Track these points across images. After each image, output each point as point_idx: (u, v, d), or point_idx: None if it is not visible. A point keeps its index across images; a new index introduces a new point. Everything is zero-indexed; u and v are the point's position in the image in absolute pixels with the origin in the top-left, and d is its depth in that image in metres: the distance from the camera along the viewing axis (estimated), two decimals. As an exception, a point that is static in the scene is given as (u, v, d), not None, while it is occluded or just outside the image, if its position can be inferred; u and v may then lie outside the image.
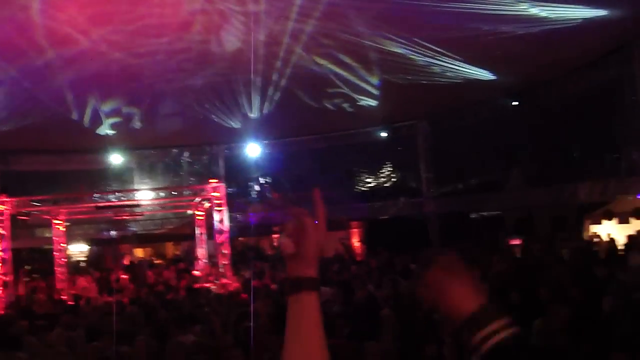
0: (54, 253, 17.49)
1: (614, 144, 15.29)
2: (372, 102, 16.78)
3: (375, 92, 15.74)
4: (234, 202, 20.49)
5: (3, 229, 14.77)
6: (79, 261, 22.10)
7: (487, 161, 19.73)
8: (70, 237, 20.33)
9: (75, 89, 13.87)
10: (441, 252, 1.93)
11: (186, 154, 23.46)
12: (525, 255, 14.80)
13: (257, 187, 23.74)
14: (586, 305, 7.49)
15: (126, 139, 19.74)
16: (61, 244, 17.65)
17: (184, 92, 15.03)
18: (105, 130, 17.77)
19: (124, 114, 16.56)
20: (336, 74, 14.14)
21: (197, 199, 17.21)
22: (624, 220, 14.42)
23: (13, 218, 15.36)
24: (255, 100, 15.83)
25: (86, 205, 17.64)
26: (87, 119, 16.25)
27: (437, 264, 1.86)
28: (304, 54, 12.68)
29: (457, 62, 13.63)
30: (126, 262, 21.18)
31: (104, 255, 23.06)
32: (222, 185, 15.86)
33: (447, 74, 14.38)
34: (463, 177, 20.89)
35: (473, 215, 21.56)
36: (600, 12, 11.20)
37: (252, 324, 7.95)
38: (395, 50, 12.64)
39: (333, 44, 12.32)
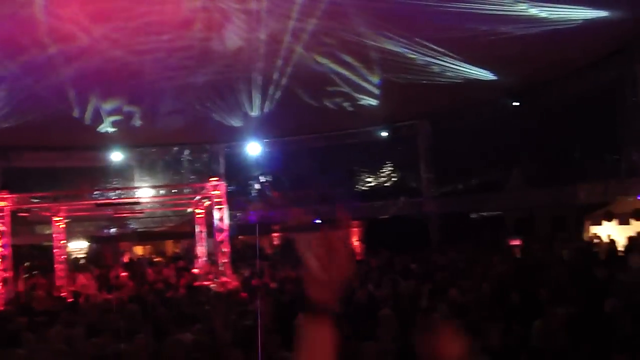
0: (54, 250, 17.48)
1: (615, 144, 15.27)
2: (373, 102, 16.78)
3: (375, 91, 15.73)
4: (234, 201, 20.49)
5: (3, 226, 14.76)
6: (78, 258, 22.10)
7: (488, 161, 19.71)
8: (70, 234, 20.31)
9: (76, 86, 13.87)
10: (446, 322, 2.03)
11: (187, 152, 23.46)
12: (525, 255, 14.79)
13: (257, 186, 23.74)
14: (586, 306, 7.49)
15: (127, 136, 19.74)
16: (61, 241, 17.63)
17: (185, 90, 15.03)
18: (106, 127, 17.78)
19: (124, 112, 16.56)
20: (337, 73, 14.14)
21: (197, 197, 17.20)
22: (624, 222, 14.40)
23: (13, 215, 15.35)
24: (256, 99, 15.83)
25: (86, 202, 17.63)
26: (88, 116, 16.26)
27: (442, 332, 1.94)
28: (305, 52, 12.67)
29: (457, 62, 13.63)
30: (126, 259, 21.17)
31: (104, 253, 23.06)
32: (223, 183, 15.83)
33: (448, 73, 14.37)
34: (463, 177, 20.87)
35: (473, 216, 21.54)
36: (601, 13, 11.19)
37: (254, 322, 7.95)
38: (396, 49, 12.63)
39: (334, 43, 12.32)
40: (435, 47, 12.59)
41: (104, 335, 7.14)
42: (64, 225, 17.85)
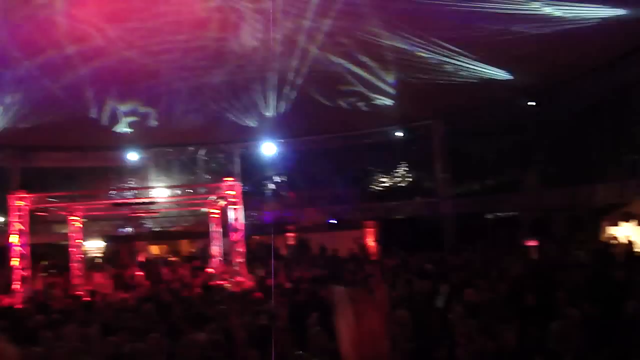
0: (71, 249, 17.64)
1: (632, 144, 15.10)
2: (388, 102, 16.73)
3: (391, 91, 15.68)
4: (249, 201, 20.54)
5: (22, 225, 14.94)
6: (95, 257, 22.28)
7: (504, 161, 19.59)
8: (87, 234, 20.49)
9: (92, 86, 13.99)
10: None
11: (202, 152, 23.55)
12: (541, 256, 14.67)
13: (272, 186, 23.78)
14: (604, 309, 7.41)
15: (143, 136, 19.86)
16: (77, 240, 17.79)
17: (200, 90, 15.09)
18: (122, 128, 17.90)
19: (140, 112, 16.66)
20: (352, 73, 14.12)
21: (213, 197, 17.27)
22: (642, 222, 14.27)
23: (31, 214, 15.53)
24: (271, 99, 15.85)
25: (103, 202, 17.78)
26: (104, 116, 16.39)
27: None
28: (320, 52, 12.67)
29: (473, 62, 13.55)
30: (141, 259, 21.30)
31: (120, 252, 23.22)
32: (238, 183, 15.89)
33: (463, 73, 14.29)
34: (479, 177, 20.75)
35: (489, 216, 21.41)
36: (619, 12, 11.06)
37: (269, 322, 7.97)
38: (411, 49, 12.59)
39: (349, 43, 12.30)
40: (450, 47, 12.53)
41: (119, 334, 7.18)
42: (80, 225, 18.01)
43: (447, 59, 13.28)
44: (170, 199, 19.86)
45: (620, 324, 6.91)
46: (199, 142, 22.91)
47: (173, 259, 22.07)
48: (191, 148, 23.33)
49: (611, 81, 14.86)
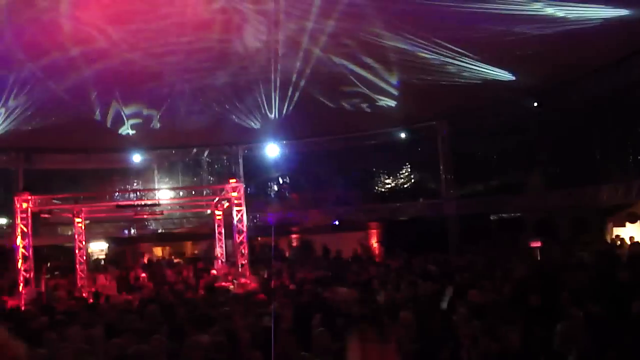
0: (75, 251, 17.68)
1: (637, 145, 15.04)
2: (391, 103, 16.72)
3: (394, 92, 15.67)
4: (253, 202, 20.55)
5: (25, 227, 14.98)
6: (99, 259, 22.32)
7: (508, 162, 19.54)
8: (91, 235, 20.54)
9: (96, 88, 14.02)
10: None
11: (206, 153, 23.57)
12: (546, 258, 14.64)
13: (275, 187, 23.79)
14: (609, 310, 7.38)
15: (147, 138, 19.89)
16: (81, 242, 17.83)
17: (204, 92, 15.10)
18: (126, 130, 17.93)
19: (144, 114, 16.69)
20: (355, 75, 14.11)
21: (217, 199, 17.29)
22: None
23: (35, 216, 15.57)
24: (275, 101, 15.86)
25: (107, 203, 17.82)
26: (108, 118, 16.42)
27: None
28: (323, 54, 12.66)
29: (476, 63, 13.53)
30: (145, 260, 21.33)
31: (124, 254, 23.26)
32: (241, 185, 15.92)
33: (467, 74, 14.27)
34: (483, 178, 20.70)
35: (493, 217, 21.36)
36: (622, 12, 11.02)
37: (273, 324, 7.95)
38: (414, 50, 12.57)
39: (352, 44, 12.30)
40: (453, 48, 12.51)
41: (123, 336, 7.18)
42: (84, 226, 18.05)
43: (451, 60, 13.26)
44: (174, 201, 19.89)
45: (625, 325, 6.88)
46: (202, 143, 22.93)
47: (177, 260, 22.11)
48: (195, 150, 23.35)
49: (615, 81, 14.81)
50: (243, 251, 15.39)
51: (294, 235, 23.99)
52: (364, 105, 17.07)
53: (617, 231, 16.13)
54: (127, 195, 20.27)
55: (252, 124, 18.36)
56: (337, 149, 22.54)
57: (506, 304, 8.72)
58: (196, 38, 11.48)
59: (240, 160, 23.55)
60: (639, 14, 11.06)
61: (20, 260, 14.86)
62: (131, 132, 18.20)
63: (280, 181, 23.76)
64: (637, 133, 14.88)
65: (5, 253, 18.17)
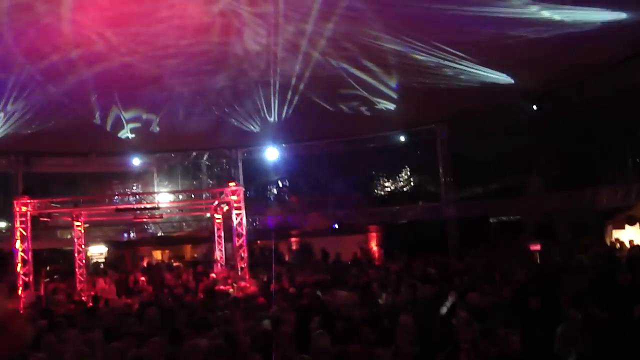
0: (74, 254, 17.67)
1: (636, 148, 15.05)
2: (391, 106, 16.72)
3: (393, 95, 15.68)
4: (253, 205, 20.55)
5: (25, 230, 14.97)
6: (98, 263, 22.30)
7: (507, 165, 19.55)
8: (90, 239, 20.52)
9: (95, 92, 14.02)
10: None
11: (205, 157, 23.57)
12: (545, 261, 14.63)
13: (275, 191, 23.79)
14: (610, 313, 7.38)
15: (146, 142, 19.88)
16: (81, 246, 17.82)
17: (204, 95, 15.10)
18: (126, 133, 17.93)
19: (144, 118, 16.69)
20: (354, 78, 14.11)
21: (216, 202, 17.29)
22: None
23: (34, 219, 15.56)
24: (274, 104, 15.86)
25: (106, 207, 17.82)
26: (107, 122, 16.42)
27: None
28: (322, 57, 12.67)
29: (475, 66, 13.53)
30: (144, 264, 21.31)
31: (123, 257, 23.24)
32: (241, 188, 15.91)
33: (466, 77, 14.27)
34: (482, 181, 20.70)
35: (492, 220, 21.36)
36: (620, 16, 11.03)
37: (272, 327, 7.95)
38: (413, 53, 12.58)
39: (351, 48, 12.30)
40: (452, 51, 12.51)
41: (122, 340, 7.17)
42: (83, 230, 18.04)
43: (450, 63, 13.26)
44: (173, 204, 19.89)
45: (626, 328, 6.88)
46: (202, 147, 22.92)
47: (176, 264, 22.08)
48: (194, 153, 23.35)
49: (615, 84, 14.83)
50: (242, 255, 15.37)
51: (293, 239, 23.97)
52: (363, 109, 17.07)
53: (616, 234, 16.14)
54: (126, 199, 20.35)
55: (252, 127, 18.36)
56: (337, 152, 22.55)
57: (506, 307, 8.71)
58: (195, 41, 11.48)
59: (240, 164, 23.55)
60: (637, 17, 11.08)
61: (19, 264, 14.85)
62: (131, 135, 18.19)
63: (280, 184, 23.75)
64: (636, 136, 14.89)
65: (5, 257, 18.14)
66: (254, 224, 21.48)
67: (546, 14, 10.72)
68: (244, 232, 15.53)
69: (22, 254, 14.89)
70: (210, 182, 23.39)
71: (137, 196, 19.79)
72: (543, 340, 6.84)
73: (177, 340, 7.24)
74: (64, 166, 21.78)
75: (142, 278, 17.69)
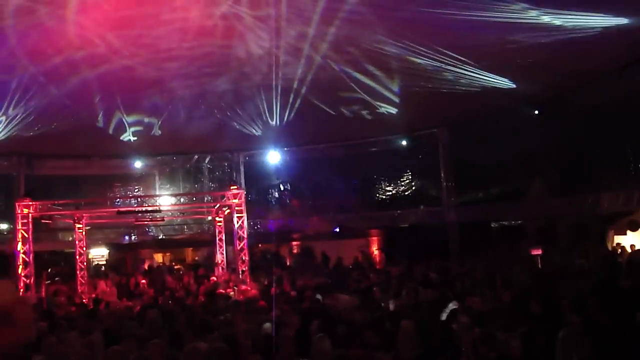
0: (75, 256, 17.69)
1: (638, 153, 15.04)
2: (392, 110, 16.74)
3: (395, 99, 15.69)
4: (254, 209, 20.55)
5: (26, 232, 14.99)
6: (99, 265, 22.31)
7: (509, 170, 19.54)
8: (91, 241, 20.54)
9: (98, 94, 14.05)
10: None
11: (207, 160, 23.59)
12: (546, 265, 14.62)
13: (276, 194, 23.80)
14: (611, 318, 7.36)
15: (148, 144, 19.91)
16: (82, 248, 17.84)
17: (205, 98, 15.13)
18: (128, 136, 17.96)
19: (145, 121, 16.71)
20: (356, 82, 14.13)
21: (217, 205, 17.31)
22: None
23: (36, 221, 15.58)
24: (276, 108, 15.88)
25: (108, 209, 17.84)
26: (110, 124, 16.45)
27: None
28: (324, 61, 12.69)
29: (477, 70, 13.55)
30: (146, 267, 21.33)
31: (124, 260, 23.25)
32: (242, 191, 15.93)
33: (468, 82, 14.28)
34: (484, 185, 20.70)
35: (494, 225, 21.35)
36: (622, 21, 11.03)
37: (273, 330, 7.95)
38: (415, 57, 12.59)
39: (353, 52, 12.32)
40: (454, 55, 12.53)
41: (122, 342, 7.17)
42: (85, 232, 18.06)
43: (452, 68, 13.27)
44: (174, 207, 19.91)
45: (627, 333, 6.86)
46: (204, 150, 22.95)
47: (177, 267, 22.10)
48: (196, 156, 23.38)
49: (616, 89, 14.83)
50: (244, 258, 15.37)
51: (294, 242, 23.97)
52: (365, 112, 17.09)
53: (618, 239, 16.11)
54: (128, 202, 20.35)
55: (254, 130, 18.39)
56: (338, 156, 22.56)
57: (507, 311, 8.71)
58: (197, 44, 11.50)
59: (242, 167, 23.56)
60: (638, 22, 11.08)
61: (20, 266, 14.86)
62: (132, 138, 18.22)
63: (281, 188, 23.76)
64: (637, 141, 14.88)
65: (6, 259, 18.17)
66: (256, 228, 21.49)
67: (546, 19, 10.74)
68: (245, 236, 15.53)
69: (24, 256, 14.90)
70: (212, 185, 23.41)
71: (139, 199, 19.80)
72: (544, 345, 6.84)
73: (178, 343, 7.23)
74: (66, 168, 21.81)
75: (143, 281, 17.71)
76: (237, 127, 17.87)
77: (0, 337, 2.03)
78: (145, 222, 19.38)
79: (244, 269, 15.34)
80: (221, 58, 12.35)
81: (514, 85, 14.81)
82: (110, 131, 17.02)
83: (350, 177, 22.71)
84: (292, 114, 16.26)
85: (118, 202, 20.35)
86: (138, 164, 22.39)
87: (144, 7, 9.87)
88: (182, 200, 20.98)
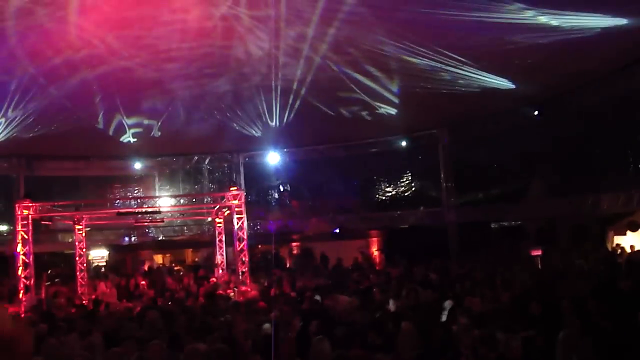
0: (75, 258, 17.68)
1: (638, 153, 15.05)
2: (392, 111, 16.74)
3: (395, 100, 15.70)
4: (254, 210, 20.55)
5: (26, 234, 14.99)
6: (99, 266, 22.30)
7: (508, 170, 19.55)
8: (91, 243, 20.53)
9: (97, 95, 14.04)
10: None
11: (207, 161, 23.59)
12: (546, 266, 14.62)
13: (276, 195, 23.80)
14: (611, 319, 7.36)
15: (148, 146, 19.91)
16: (82, 249, 17.84)
17: (205, 99, 15.13)
18: (128, 137, 17.96)
19: (145, 122, 16.71)
20: (356, 83, 14.13)
21: (217, 206, 17.30)
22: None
23: (36, 223, 15.58)
24: (276, 109, 15.88)
25: (107, 211, 17.84)
26: (109, 125, 16.44)
27: None
28: (324, 62, 12.69)
29: (477, 71, 13.54)
30: (145, 268, 21.32)
31: (124, 261, 23.25)
32: (242, 192, 15.93)
33: (468, 82, 14.28)
34: (484, 186, 20.70)
35: (493, 225, 21.34)
36: (620, 22, 11.03)
37: (273, 331, 7.95)
38: (415, 59, 12.59)
39: (353, 52, 12.32)
40: (454, 56, 12.52)
41: (122, 344, 7.17)
42: (85, 234, 18.06)
43: (452, 69, 13.27)
44: (174, 208, 19.90)
45: (627, 334, 6.86)
46: (203, 151, 22.95)
47: (177, 268, 22.09)
48: (196, 157, 23.38)
49: (617, 90, 14.84)
50: (244, 259, 15.37)
51: (294, 243, 23.97)
52: (365, 113, 17.09)
53: (617, 240, 16.11)
54: (127, 203, 20.34)
55: (253, 131, 18.39)
56: (338, 157, 22.56)
57: (507, 312, 8.70)
58: (197, 45, 11.50)
59: (241, 168, 23.57)
60: (637, 23, 11.08)
61: (20, 267, 14.85)
62: (132, 139, 18.22)
63: (281, 189, 23.76)
64: (637, 141, 14.89)
65: (6, 260, 18.17)
66: (255, 229, 21.48)
67: (543, 19, 10.73)
68: (245, 237, 15.53)
69: (24, 258, 14.89)
70: (212, 186, 23.41)
71: (139, 200, 19.77)
72: (544, 346, 6.84)
73: (178, 344, 7.23)
74: (66, 169, 21.81)
75: (143, 282, 17.70)
76: (237, 128, 17.87)
77: None
78: (145, 224, 19.38)
79: (243, 270, 15.33)
80: (221, 59, 12.36)
81: (514, 86, 14.81)
82: (110, 132, 17.01)
83: (350, 178, 22.71)
84: (292, 115, 16.26)
85: (118, 203, 20.35)
86: (138, 165, 22.39)
87: (144, 8, 9.87)
88: (181, 201, 20.95)
